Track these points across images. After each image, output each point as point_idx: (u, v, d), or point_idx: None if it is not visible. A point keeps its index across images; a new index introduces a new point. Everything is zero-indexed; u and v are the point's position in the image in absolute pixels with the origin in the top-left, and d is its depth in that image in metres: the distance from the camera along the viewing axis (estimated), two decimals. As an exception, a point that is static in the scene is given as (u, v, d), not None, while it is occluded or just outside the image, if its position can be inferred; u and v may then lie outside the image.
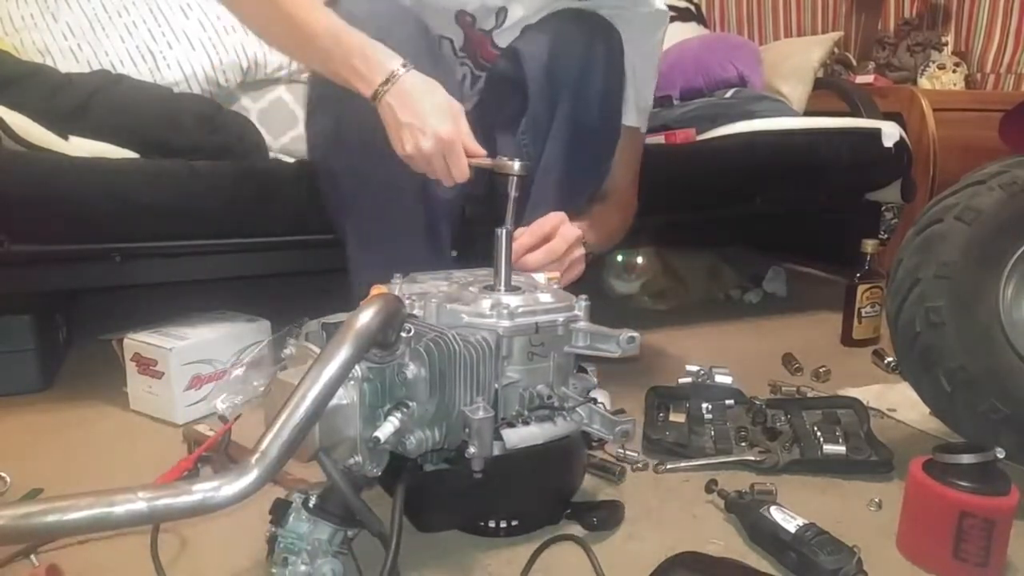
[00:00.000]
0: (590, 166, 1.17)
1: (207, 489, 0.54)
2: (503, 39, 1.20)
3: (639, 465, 1.01)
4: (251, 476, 0.55)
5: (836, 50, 2.47)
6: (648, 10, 1.22)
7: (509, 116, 1.16)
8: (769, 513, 0.82)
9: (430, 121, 0.93)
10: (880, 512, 0.91)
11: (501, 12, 1.18)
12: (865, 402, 1.16)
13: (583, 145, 1.13)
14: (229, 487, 0.54)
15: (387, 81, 0.93)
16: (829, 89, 2.10)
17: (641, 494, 0.95)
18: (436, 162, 0.95)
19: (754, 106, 1.85)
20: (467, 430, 0.73)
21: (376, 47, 0.95)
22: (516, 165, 0.93)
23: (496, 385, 0.78)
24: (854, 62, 2.59)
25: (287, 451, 0.57)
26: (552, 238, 1.03)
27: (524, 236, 1.01)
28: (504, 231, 0.85)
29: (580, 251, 1.06)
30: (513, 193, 0.93)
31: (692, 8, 2.48)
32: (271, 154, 1.45)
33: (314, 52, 0.97)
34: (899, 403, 1.21)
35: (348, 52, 0.94)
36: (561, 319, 0.82)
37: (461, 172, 0.95)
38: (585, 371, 0.90)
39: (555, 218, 1.04)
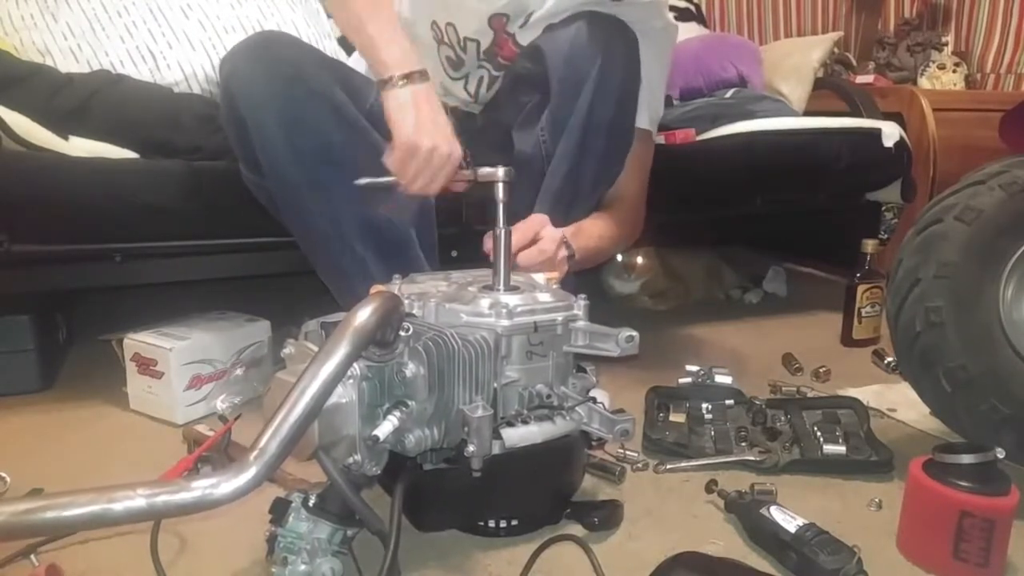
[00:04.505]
0: (602, 161, 1.19)
1: (206, 486, 0.54)
2: (525, 38, 1.23)
3: (639, 465, 1.01)
4: (250, 473, 0.55)
5: (836, 50, 2.46)
6: (661, 24, 1.27)
7: (527, 113, 1.19)
8: (769, 513, 0.82)
9: (442, 130, 0.98)
10: (880, 512, 0.91)
11: (531, 9, 1.21)
12: (865, 402, 1.16)
13: (597, 139, 1.15)
14: (228, 484, 0.54)
15: (410, 76, 0.98)
16: (829, 89, 2.10)
17: (641, 494, 0.95)
18: (426, 163, 0.98)
19: (754, 106, 1.85)
20: (466, 429, 0.73)
21: (409, 46, 1.01)
22: (500, 172, 0.90)
23: (495, 384, 0.78)
24: (854, 62, 2.58)
25: (285, 448, 0.57)
26: (540, 238, 1.05)
27: (516, 235, 1.02)
28: (503, 232, 0.85)
29: (565, 252, 1.09)
30: (502, 198, 0.92)
31: (692, 8, 2.48)
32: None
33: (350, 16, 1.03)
34: (899, 403, 1.21)
35: (383, 34, 1.00)
36: (560, 318, 0.82)
37: (437, 186, 1.01)
38: (584, 371, 0.90)
39: (538, 219, 1.08)
